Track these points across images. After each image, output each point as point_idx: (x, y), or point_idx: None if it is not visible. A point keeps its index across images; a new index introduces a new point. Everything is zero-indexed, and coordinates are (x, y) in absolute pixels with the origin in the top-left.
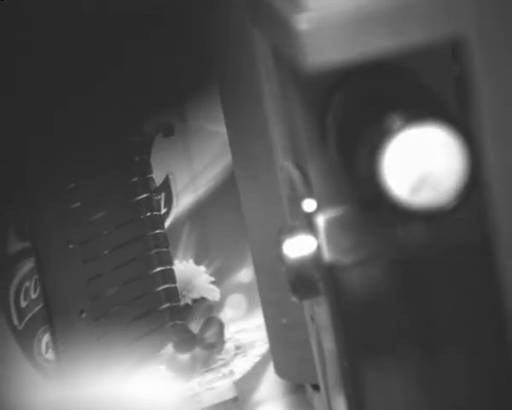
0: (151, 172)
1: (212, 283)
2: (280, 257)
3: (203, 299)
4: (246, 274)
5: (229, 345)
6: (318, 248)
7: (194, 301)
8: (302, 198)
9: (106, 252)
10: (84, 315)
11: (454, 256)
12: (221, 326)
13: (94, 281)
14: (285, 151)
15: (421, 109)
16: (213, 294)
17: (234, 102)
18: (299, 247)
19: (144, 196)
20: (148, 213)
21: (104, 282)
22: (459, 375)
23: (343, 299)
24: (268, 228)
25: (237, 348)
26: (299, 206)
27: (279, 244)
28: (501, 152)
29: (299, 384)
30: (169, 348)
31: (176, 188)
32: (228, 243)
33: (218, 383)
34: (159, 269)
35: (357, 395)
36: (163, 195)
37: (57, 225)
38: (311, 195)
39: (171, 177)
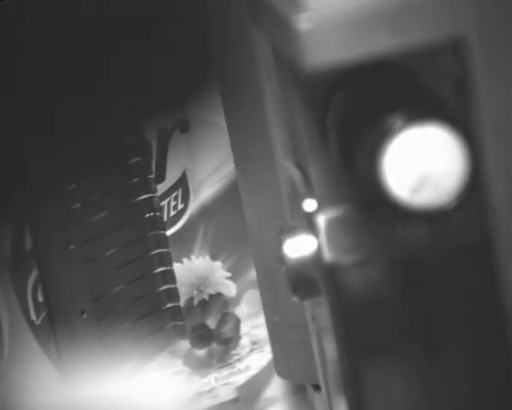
0: (151, 173)
1: (229, 278)
2: (280, 257)
3: (219, 294)
4: None
5: (245, 340)
6: (319, 248)
7: (211, 296)
8: (302, 198)
9: (106, 253)
10: (85, 316)
11: (454, 256)
12: (237, 322)
13: (95, 281)
14: (285, 151)
15: (422, 109)
16: (230, 289)
17: (234, 102)
18: (299, 247)
19: (145, 196)
20: (149, 214)
21: (105, 282)
22: (459, 375)
23: (343, 299)
24: (268, 228)
25: (253, 343)
26: (299, 206)
27: (279, 244)
28: (501, 152)
29: (301, 385)
30: (185, 344)
31: (193, 184)
32: (244, 238)
33: (234, 379)
34: (159, 270)
35: (357, 395)
36: (180, 190)
37: (58, 225)
38: (311, 195)
39: (188, 173)
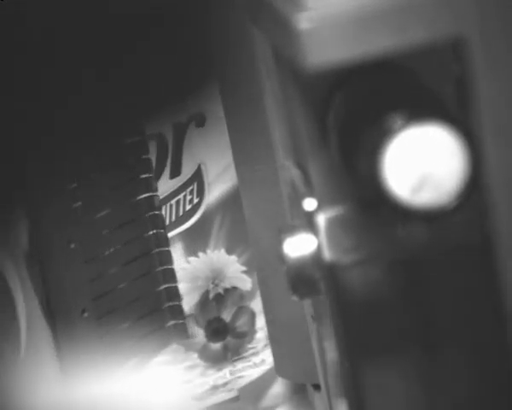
0: (152, 172)
1: (244, 272)
2: (280, 256)
3: (235, 288)
4: None
5: (260, 334)
6: (319, 247)
7: (226, 290)
8: (303, 197)
9: (107, 251)
10: (85, 314)
11: (454, 256)
12: (252, 316)
13: (95, 280)
14: (286, 150)
15: (422, 109)
16: (245, 283)
17: (234, 101)
18: (299, 246)
19: (145, 195)
20: (149, 213)
21: (106, 281)
22: (459, 375)
23: (343, 298)
24: (268, 228)
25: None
26: (299, 205)
27: (279, 243)
28: (501, 152)
29: (301, 384)
30: (201, 337)
31: (208, 177)
32: None
33: (249, 372)
34: (160, 268)
35: (357, 395)
36: (195, 184)
37: (58, 224)
38: (311, 194)
39: (203, 167)
